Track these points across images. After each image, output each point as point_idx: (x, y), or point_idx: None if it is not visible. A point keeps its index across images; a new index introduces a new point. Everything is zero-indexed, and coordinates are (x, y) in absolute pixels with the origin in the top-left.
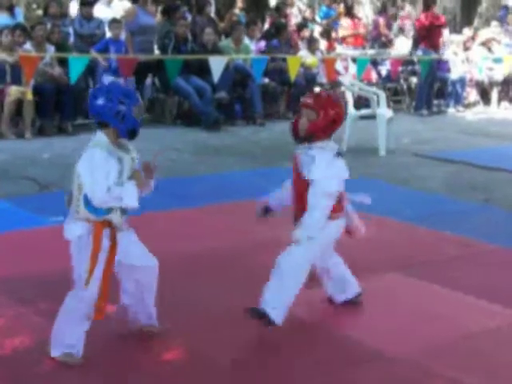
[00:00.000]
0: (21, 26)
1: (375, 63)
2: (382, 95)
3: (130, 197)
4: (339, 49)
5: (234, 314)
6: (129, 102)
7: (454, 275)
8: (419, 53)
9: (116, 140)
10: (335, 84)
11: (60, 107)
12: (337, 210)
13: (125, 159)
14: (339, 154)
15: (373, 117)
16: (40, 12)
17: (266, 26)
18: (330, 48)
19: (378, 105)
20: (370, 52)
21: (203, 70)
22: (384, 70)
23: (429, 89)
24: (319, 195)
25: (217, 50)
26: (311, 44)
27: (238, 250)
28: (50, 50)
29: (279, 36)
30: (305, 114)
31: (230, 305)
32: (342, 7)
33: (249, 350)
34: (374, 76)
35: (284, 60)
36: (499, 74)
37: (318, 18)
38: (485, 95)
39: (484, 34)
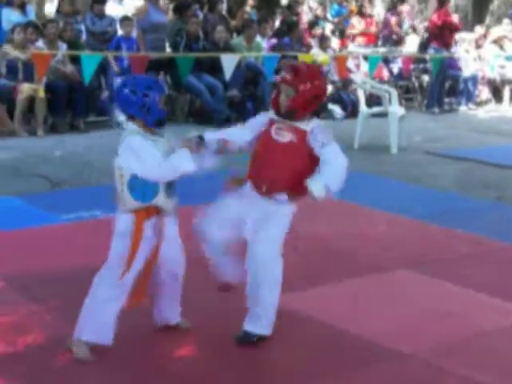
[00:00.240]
0: (33, 23)
1: (387, 61)
2: (394, 93)
3: (186, 161)
4: (351, 47)
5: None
6: (153, 93)
7: (466, 273)
8: (431, 51)
9: (146, 128)
10: (347, 82)
11: (72, 105)
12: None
13: (159, 142)
14: None
15: (384, 115)
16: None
17: (277, 23)
18: (343, 46)
19: (389, 103)
20: (382, 50)
21: (215, 67)
22: (396, 67)
23: (440, 87)
24: (338, 151)
25: (228, 48)
26: (323, 42)
27: None
28: (62, 47)
29: (291, 34)
30: (283, 90)
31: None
32: (353, 5)
33: (259, 349)
34: (385, 74)
35: (295, 58)
36: (511, 72)
37: (329, 16)
38: (497, 93)
39: (496, 31)
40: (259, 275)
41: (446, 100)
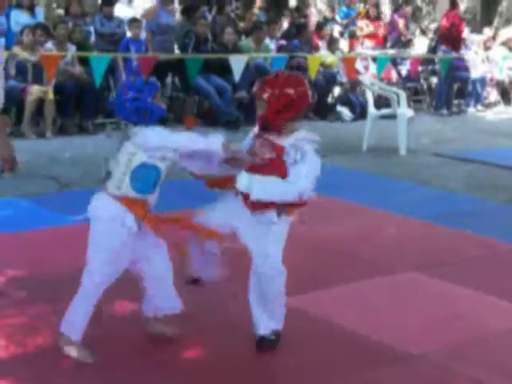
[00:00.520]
0: (42, 25)
1: (395, 63)
2: (403, 95)
3: (216, 141)
4: (359, 48)
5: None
6: (143, 95)
7: (476, 275)
8: (440, 53)
9: None
10: (355, 83)
11: (81, 106)
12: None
13: None
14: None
15: (393, 116)
16: (61, 11)
17: (285, 25)
18: (353, 47)
19: (398, 104)
20: (391, 52)
21: (223, 69)
22: (404, 69)
23: (448, 88)
24: (303, 175)
25: (237, 50)
26: (331, 44)
27: None
28: (72, 49)
29: (300, 36)
30: (259, 105)
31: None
32: (361, 7)
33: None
34: (394, 75)
35: (304, 59)
36: None
37: (338, 18)
38: (505, 95)
39: (504, 33)
40: (264, 291)
41: (455, 102)
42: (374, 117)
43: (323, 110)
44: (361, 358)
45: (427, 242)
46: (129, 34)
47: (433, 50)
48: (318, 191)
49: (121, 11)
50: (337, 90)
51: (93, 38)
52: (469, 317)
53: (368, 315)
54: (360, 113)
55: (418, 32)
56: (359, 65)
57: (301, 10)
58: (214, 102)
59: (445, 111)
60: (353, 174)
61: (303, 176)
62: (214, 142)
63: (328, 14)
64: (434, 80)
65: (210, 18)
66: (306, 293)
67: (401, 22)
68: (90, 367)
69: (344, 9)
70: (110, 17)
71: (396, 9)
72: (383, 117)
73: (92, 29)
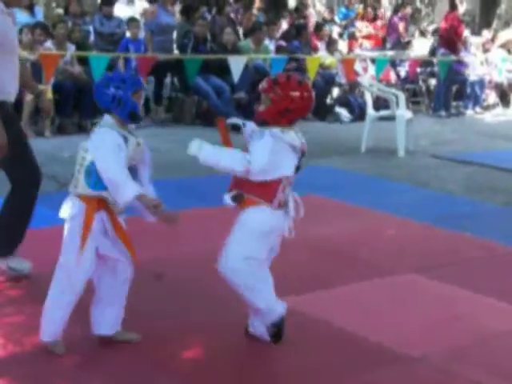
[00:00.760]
0: (41, 24)
1: (394, 64)
2: (401, 96)
3: (131, 189)
4: (357, 50)
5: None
6: (125, 86)
7: (475, 277)
8: (439, 55)
9: (120, 123)
10: (354, 84)
11: (79, 105)
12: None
13: (130, 140)
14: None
15: (392, 118)
16: (60, 11)
17: (284, 26)
18: (352, 48)
19: (397, 106)
20: (390, 53)
21: (222, 69)
22: (403, 71)
23: (447, 90)
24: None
25: (236, 51)
26: (330, 45)
27: None
28: (71, 48)
29: (300, 37)
30: (262, 100)
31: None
32: (361, 8)
33: (266, 351)
34: (392, 77)
35: (303, 60)
36: None
37: (337, 19)
38: (504, 97)
39: (503, 35)
40: (229, 280)
41: (453, 104)
42: (372, 118)
43: (322, 111)
44: (360, 359)
45: (426, 244)
46: (128, 33)
47: (432, 51)
48: (316, 192)
49: (120, 11)
50: (335, 91)
51: (92, 38)
52: (468, 318)
53: (367, 316)
54: (359, 114)
55: (417, 34)
56: (358, 66)
57: (300, 10)
58: (213, 103)
59: (443, 113)
60: (351, 176)
61: (253, 150)
62: (129, 189)
63: (327, 15)
64: (433, 82)
65: (209, 18)
66: (305, 294)
67: (400, 24)
68: (88, 366)
69: (343, 10)
70: (109, 16)
71: (395, 10)
72: (382, 118)
73: (91, 28)
